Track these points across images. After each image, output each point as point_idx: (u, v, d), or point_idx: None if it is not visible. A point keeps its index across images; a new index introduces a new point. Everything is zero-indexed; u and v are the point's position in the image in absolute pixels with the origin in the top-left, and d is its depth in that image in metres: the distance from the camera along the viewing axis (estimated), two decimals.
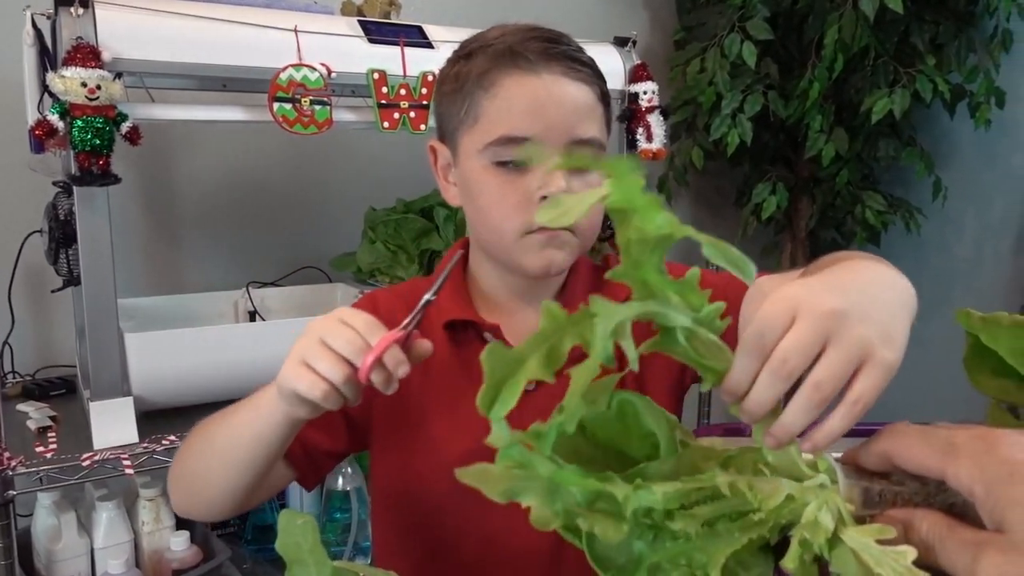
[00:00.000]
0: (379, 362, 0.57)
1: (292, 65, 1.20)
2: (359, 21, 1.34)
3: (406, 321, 0.59)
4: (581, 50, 0.77)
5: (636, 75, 1.56)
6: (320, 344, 0.58)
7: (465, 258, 0.85)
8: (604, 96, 0.78)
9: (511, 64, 0.73)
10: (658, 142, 1.58)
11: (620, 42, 1.59)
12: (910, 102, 1.86)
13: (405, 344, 0.59)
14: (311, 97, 1.22)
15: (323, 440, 0.78)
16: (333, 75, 1.23)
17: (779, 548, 0.39)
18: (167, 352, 1.19)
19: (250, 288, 1.49)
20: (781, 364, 0.40)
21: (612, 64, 1.55)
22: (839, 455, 0.42)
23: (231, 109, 1.24)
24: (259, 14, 1.24)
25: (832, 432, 0.41)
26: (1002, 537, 0.33)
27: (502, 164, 0.73)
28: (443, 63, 0.81)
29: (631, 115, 1.56)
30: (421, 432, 0.77)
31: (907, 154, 2.08)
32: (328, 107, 1.24)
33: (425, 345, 0.62)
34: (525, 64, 0.72)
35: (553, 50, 0.73)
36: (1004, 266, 2.19)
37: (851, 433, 0.41)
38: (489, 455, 0.72)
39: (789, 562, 0.38)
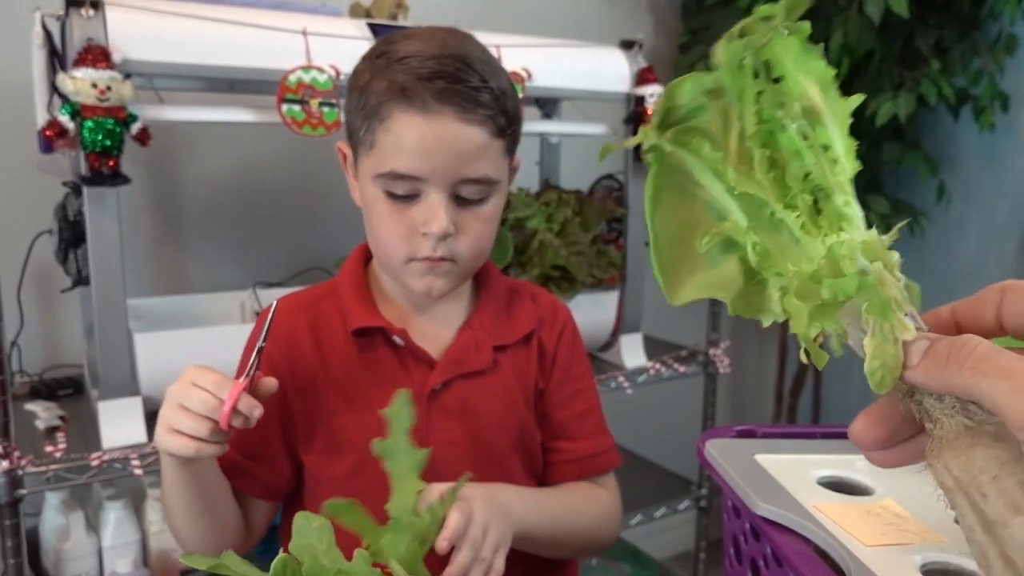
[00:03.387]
0: (235, 410, 0.67)
1: (301, 67, 1.20)
2: (367, 23, 1.34)
3: (247, 371, 0.69)
4: (485, 82, 0.76)
5: (642, 78, 1.56)
6: (180, 409, 0.68)
7: (367, 259, 0.91)
8: (502, 129, 0.78)
9: (405, 102, 0.74)
10: None
11: (626, 45, 1.60)
12: (915, 106, 1.87)
13: (251, 388, 0.70)
14: (320, 99, 1.22)
15: (271, 476, 0.85)
16: (342, 77, 1.24)
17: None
18: (176, 352, 1.19)
19: (257, 289, 1.49)
20: None
21: (618, 67, 1.55)
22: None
23: (240, 110, 1.25)
24: (268, 16, 1.24)
25: None
26: None
27: (392, 194, 0.78)
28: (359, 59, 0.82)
29: (637, 118, 1.57)
30: (331, 424, 0.84)
31: (911, 157, 2.08)
32: (337, 109, 1.24)
33: (270, 383, 0.72)
34: (418, 104, 0.74)
35: (451, 90, 0.74)
36: (1008, 269, 2.19)
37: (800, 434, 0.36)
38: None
39: (797, 328, 0.33)
